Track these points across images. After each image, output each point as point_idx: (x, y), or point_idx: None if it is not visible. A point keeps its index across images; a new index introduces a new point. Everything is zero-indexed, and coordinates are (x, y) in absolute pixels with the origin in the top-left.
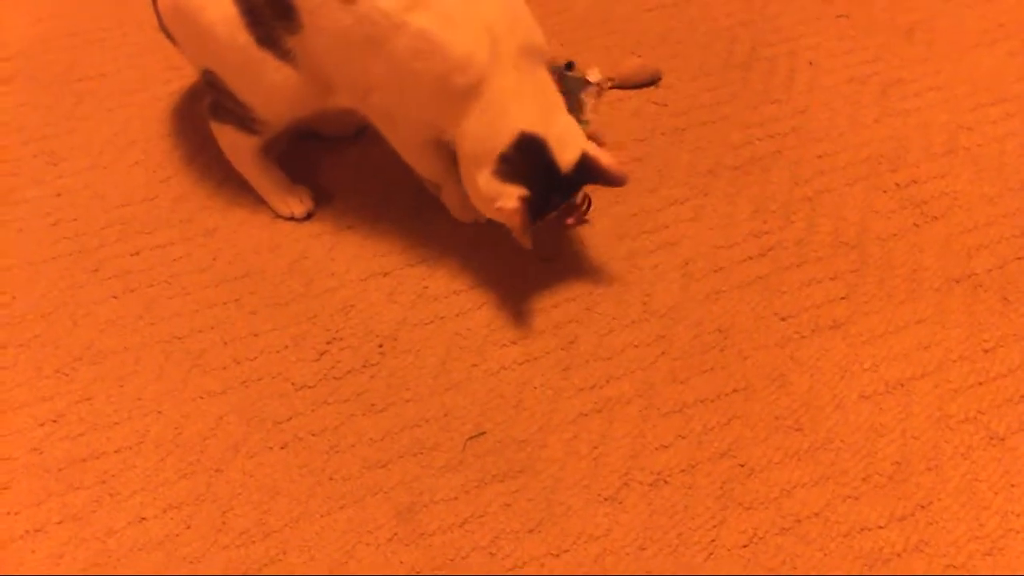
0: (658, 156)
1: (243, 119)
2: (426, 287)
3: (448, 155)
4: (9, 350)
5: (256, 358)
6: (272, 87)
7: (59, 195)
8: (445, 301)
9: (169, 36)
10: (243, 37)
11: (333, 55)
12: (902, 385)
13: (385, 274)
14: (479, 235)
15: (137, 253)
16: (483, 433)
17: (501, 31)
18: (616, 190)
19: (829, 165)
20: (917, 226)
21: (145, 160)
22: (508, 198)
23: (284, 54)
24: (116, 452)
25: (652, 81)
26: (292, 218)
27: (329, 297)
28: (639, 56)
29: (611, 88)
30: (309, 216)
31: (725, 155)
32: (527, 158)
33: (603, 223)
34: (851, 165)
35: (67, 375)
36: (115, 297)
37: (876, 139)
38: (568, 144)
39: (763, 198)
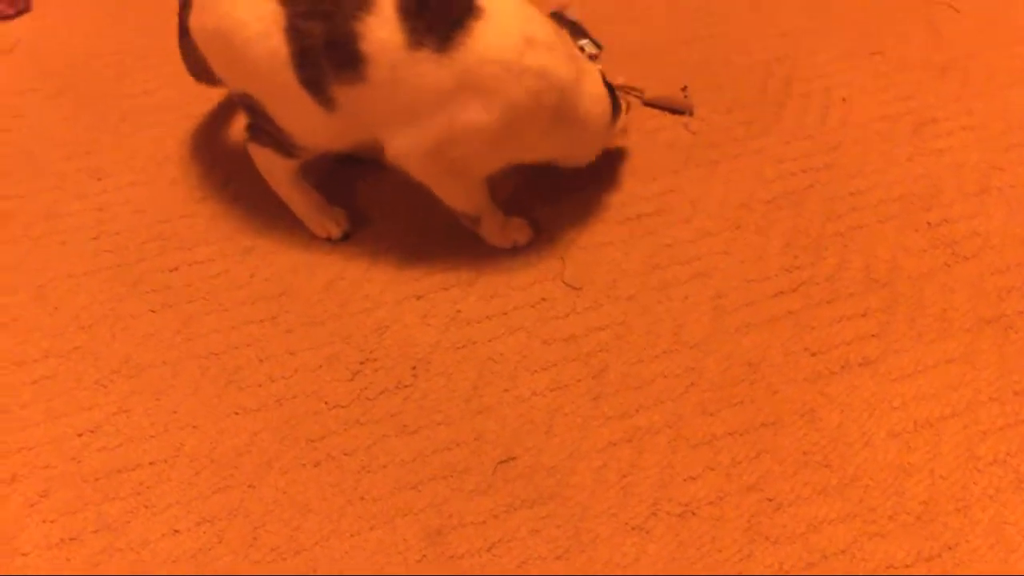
0: (692, 188)
1: (281, 143)
2: (459, 311)
3: (488, 186)
4: (51, 360)
5: (291, 376)
6: (310, 123)
7: (101, 209)
8: (478, 326)
9: (191, 60)
10: (287, 74)
11: (401, 108)
12: (931, 424)
13: (419, 297)
14: (512, 261)
15: (176, 269)
16: (513, 458)
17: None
18: (650, 220)
19: (861, 202)
20: (948, 265)
21: (185, 178)
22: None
23: (325, 101)
24: (151, 464)
25: (683, 110)
26: (329, 239)
27: (364, 318)
28: (685, 89)
29: (643, 104)
30: (346, 237)
31: (758, 189)
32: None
33: (637, 253)
34: (883, 203)
35: (105, 387)
36: (153, 311)
37: (909, 177)
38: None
39: (795, 233)
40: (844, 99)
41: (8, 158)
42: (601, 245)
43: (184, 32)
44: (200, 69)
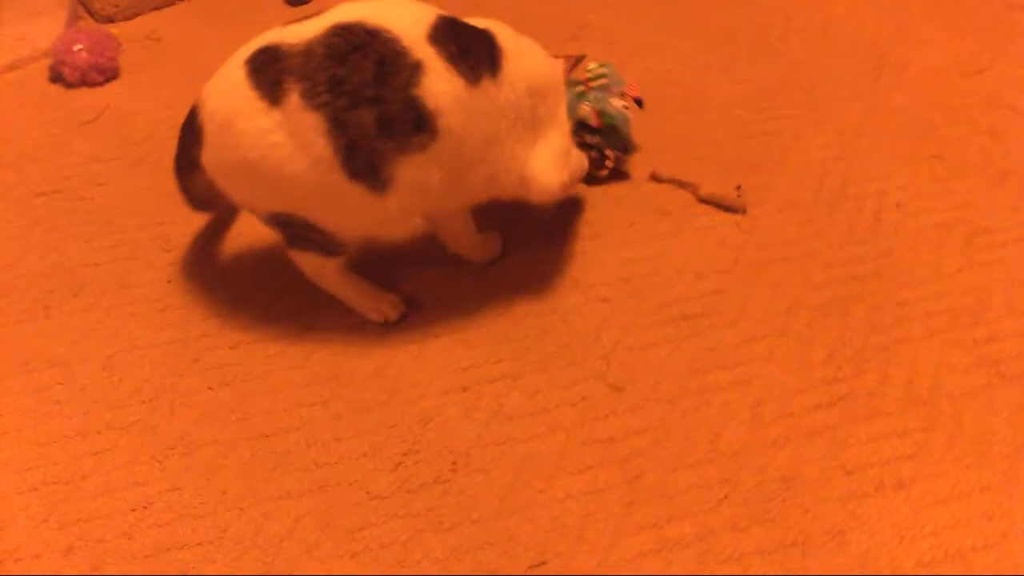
0: (739, 289)
1: (325, 245)
2: (502, 405)
3: None
4: (112, 432)
5: (336, 463)
6: (360, 216)
7: (169, 282)
8: (519, 422)
9: (195, 193)
10: (333, 176)
11: (490, 138)
12: (962, 555)
13: (465, 389)
14: (558, 358)
15: (235, 347)
16: (544, 563)
17: None
18: (696, 322)
19: (908, 314)
20: (991, 387)
21: (248, 254)
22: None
23: (380, 185)
24: (199, 545)
25: (736, 209)
26: (385, 322)
27: (410, 407)
28: (739, 188)
29: (697, 201)
30: (402, 318)
31: (806, 294)
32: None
33: (680, 355)
34: (930, 316)
35: (160, 463)
36: (211, 389)
37: (957, 290)
38: None
39: (839, 343)
40: (898, 204)
41: (88, 225)
42: (646, 346)
43: (187, 167)
44: (204, 201)
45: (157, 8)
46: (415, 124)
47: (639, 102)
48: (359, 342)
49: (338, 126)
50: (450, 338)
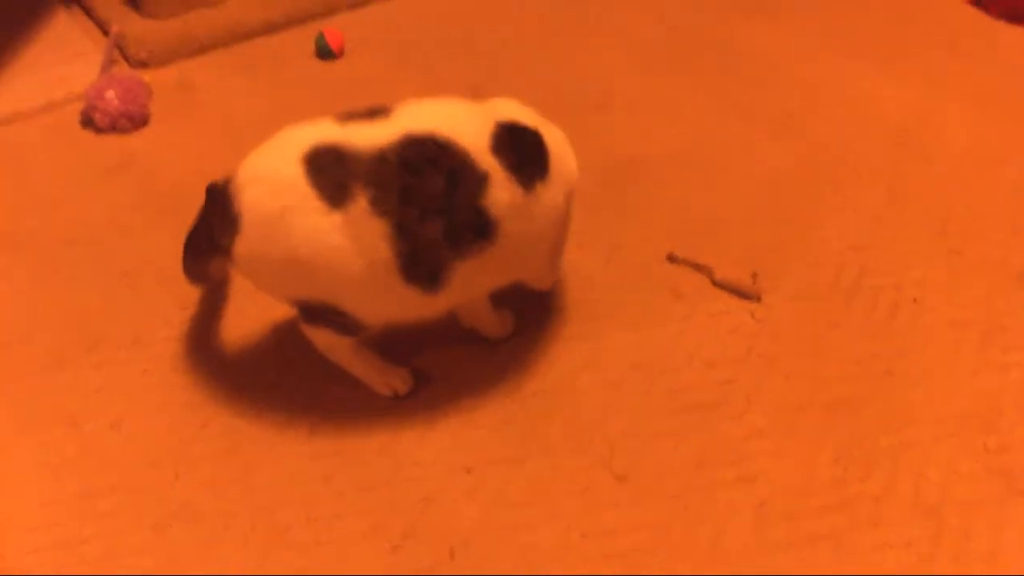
0: (750, 380)
1: (347, 327)
2: (505, 490)
3: None
4: (117, 496)
5: (336, 541)
6: (398, 308)
7: (180, 341)
8: (521, 510)
9: (203, 275)
10: (389, 278)
11: (535, 240)
12: None
13: (469, 471)
14: (563, 444)
15: (243, 415)
16: None
17: None
18: (705, 413)
19: (919, 415)
20: (1002, 499)
21: (262, 316)
22: None
23: (434, 285)
24: None
25: (751, 296)
26: (395, 396)
27: (413, 486)
28: (755, 275)
29: (712, 284)
30: (410, 393)
31: (817, 390)
32: None
33: (687, 447)
34: (941, 420)
35: (162, 531)
36: (216, 456)
37: (971, 393)
38: None
39: (848, 444)
40: (915, 299)
41: (108, 276)
42: (653, 435)
43: (206, 250)
44: (207, 278)
45: (190, 55)
46: (478, 232)
47: None
48: (366, 417)
49: (403, 233)
50: (457, 418)
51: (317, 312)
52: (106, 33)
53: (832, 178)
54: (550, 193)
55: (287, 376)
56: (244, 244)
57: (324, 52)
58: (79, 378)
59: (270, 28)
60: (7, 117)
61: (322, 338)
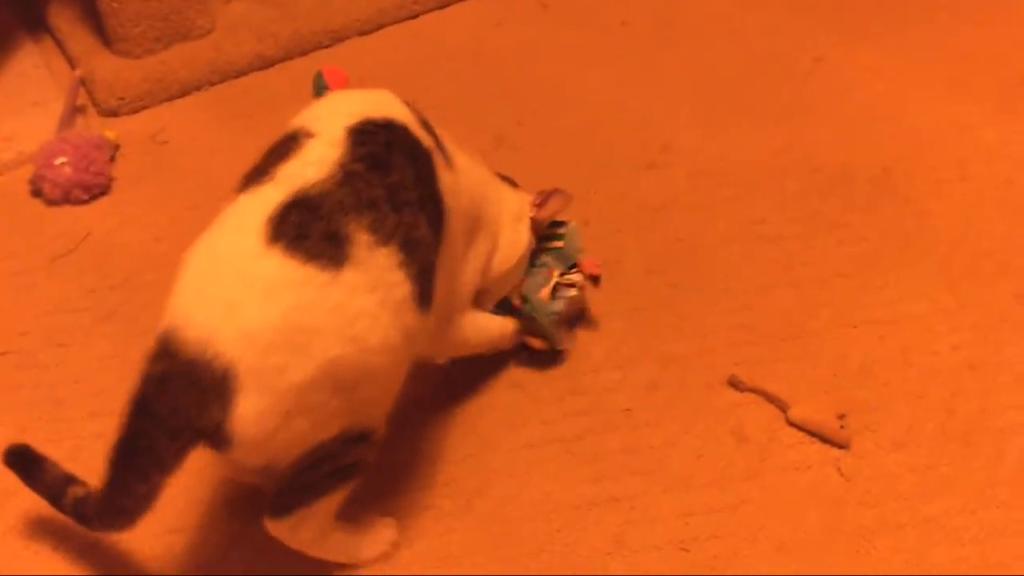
0: (832, 570)
1: (358, 460)
2: None
3: None
4: None
5: None
6: (404, 365)
7: None
8: None
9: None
10: (412, 318)
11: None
12: None
13: None
14: None
15: None
16: None
17: None
18: None
19: None
20: None
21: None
22: None
23: (429, 303)
24: None
25: (839, 444)
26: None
27: None
28: (843, 419)
29: (790, 425)
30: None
31: None
32: None
33: None
34: None
35: None
36: None
37: None
38: None
39: None
40: None
41: (35, 404)
42: None
43: (161, 457)
44: (146, 504)
45: (168, 99)
46: (440, 219)
47: (595, 279)
48: None
49: (409, 249)
50: None
51: (334, 459)
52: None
53: (944, 265)
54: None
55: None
56: (252, 399)
57: (323, 94)
58: None
59: (264, 63)
60: None
61: (317, 519)
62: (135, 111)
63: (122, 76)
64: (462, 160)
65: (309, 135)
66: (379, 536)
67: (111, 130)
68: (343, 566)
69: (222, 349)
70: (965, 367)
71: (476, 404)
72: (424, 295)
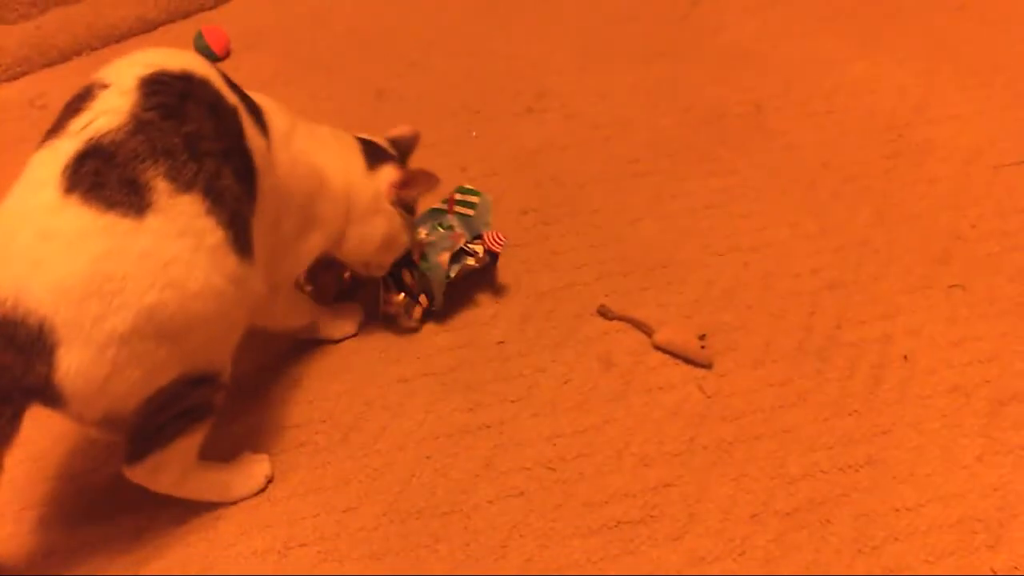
0: (693, 482)
1: (204, 402)
2: None
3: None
4: None
5: None
6: (238, 313)
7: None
8: None
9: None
10: (230, 264)
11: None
12: None
13: None
14: None
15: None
16: None
17: None
18: (631, 531)
19: (907, 526)
20: None
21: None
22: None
23: (251, 254)
24: None
25: (702, 364)
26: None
27: None
28: (703, 339)
29: (653, 348)
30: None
31: (777, 492)
32: None
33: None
34: (936, 529)
35: None
36: None
37: (975, 489)
38: None
39: (815, 568)
40: (906, 356)
41: None
42: (566, 566)
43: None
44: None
45: (47, 65)
46: (250, 176)
47: (494, 257)
48: (202, 553)
49: (215, 197)
50: (318, 549)
51: (173, 407)
52: None
53: (808, 193)
54: (276, 158)
55: (98, 512)
56: (74, 352)
57: (204, 54)
58: None
59: (145, 26)
60: None
61: (175, 460)
62: (13, 78)
63: None
64: (293, 141)
65: (103, 86)
66: (252, 472)
67: None
68: (216, 505)
69: (34, 305)
70: (824, 287)
71: (352, 342)
72: (243, 242)
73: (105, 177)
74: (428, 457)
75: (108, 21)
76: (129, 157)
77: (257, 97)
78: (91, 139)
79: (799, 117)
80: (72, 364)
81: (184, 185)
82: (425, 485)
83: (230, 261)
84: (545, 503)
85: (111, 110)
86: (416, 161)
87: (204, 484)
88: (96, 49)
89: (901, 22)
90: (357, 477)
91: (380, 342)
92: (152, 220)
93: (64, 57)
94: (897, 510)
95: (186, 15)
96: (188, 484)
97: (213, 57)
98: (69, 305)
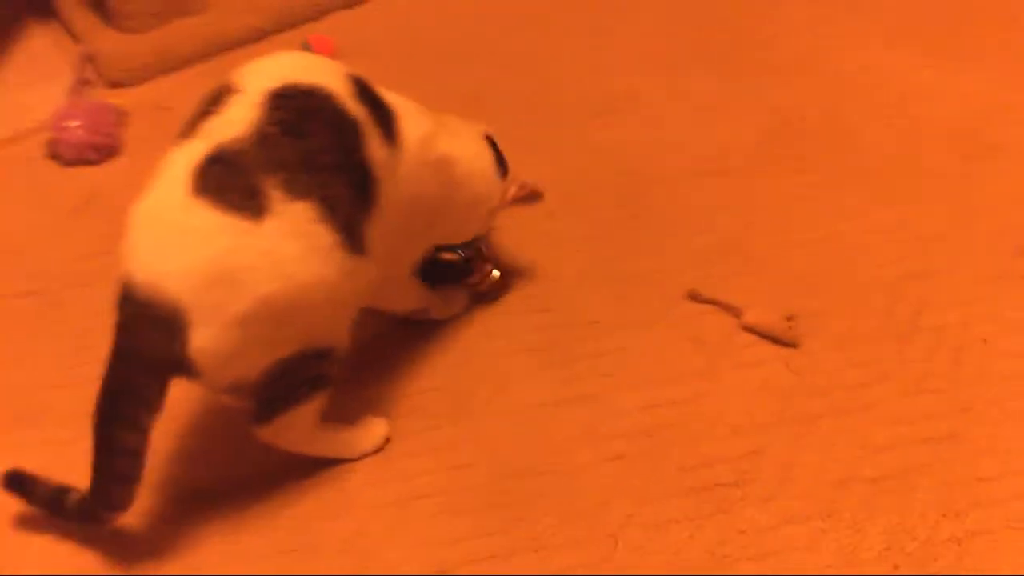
0: (782, 450)
1: (322, 374)
2: None
3: None
4: None
5: None
6: (352, 299)
7: None
8: None
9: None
10: (342, 260)
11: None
12: None
13: (443, 571)
14: (556, 535)
15: (196, 498)
16: None
17: None
18: (725, 493)
19: (988, 494)
20: None
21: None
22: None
23: (365, 251)
24: None
25: (786, 343)
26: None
27: None
28: (791, 320)
29: (741, 328)
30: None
31: (863, 461)
32: None
33: (703, 536)
34: (1018, 498)
35: None
36: (160, 551)
37: None
38: None
39: (899, 531)
40: (985, 340)
41: (60, 337)
42: (663, 522)
43: (143, 397)
44: (136, 461)
45: (169, 71)
46: (368, 184)
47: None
48: (330, 506)
49: (328, 206)
50: (433, 502)
51: (292, 378)
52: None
53: (887, 191)
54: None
55: (246, 454)
56: (202, 332)
57: None
58: (15, 457)
59: (257, 35)
60: None
61: (298, 422)
62: (139, 82)
63: (125, 50)
64: (436, 146)
65: (236, 91)
66: (372, 432)
67: (118, 98)
68: (340, 461)
69: (170, 292)
70: (904, 276)
71: (458, 322)
72: (355, 242)
73: (229, 182)
74: (532, 423)
75: (223, 31)
76: (250, 166)
77: (397, 101)
78: (219, 145)
79: (874, 121)
80: (202, 341)
81: (298, 194)
82: (530, 448)
83: (341, 257)
84: (642, 466)
85: (238, 120)
86: (515, 161)
87: (328, 442)
88: (212, 56)
89: (964, 34)
90: (467, 439)
91: (483, 322)
92: (269, 223)
93: (185, 64)
94: (979, 480)
95: (293, 25)
96: (313, 443)
97: None
98: (197, 292)
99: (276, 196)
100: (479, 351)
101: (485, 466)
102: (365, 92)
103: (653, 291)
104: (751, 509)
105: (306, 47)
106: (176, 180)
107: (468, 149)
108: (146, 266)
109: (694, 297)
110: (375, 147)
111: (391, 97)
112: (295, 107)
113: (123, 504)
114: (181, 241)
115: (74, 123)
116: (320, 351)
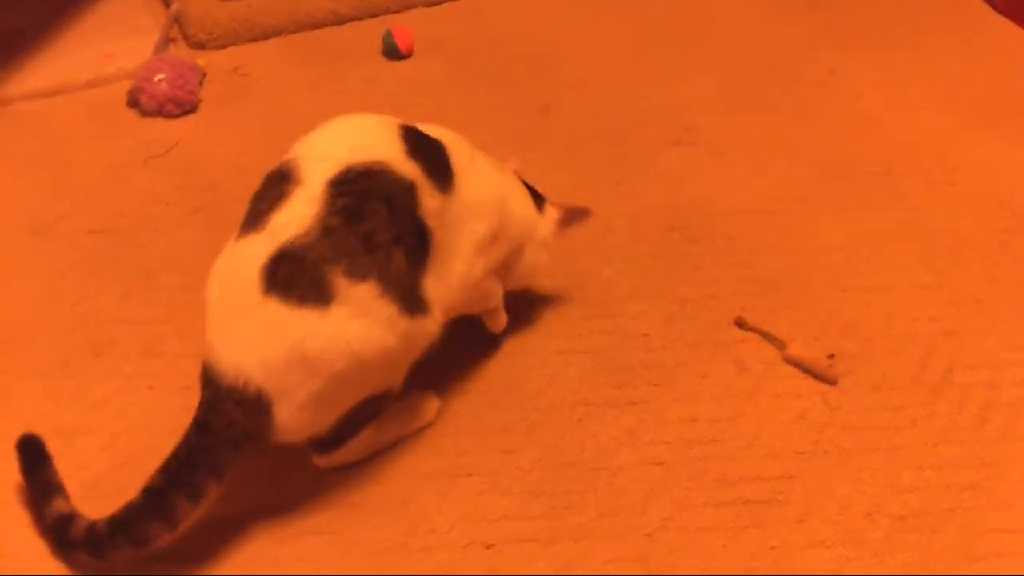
0: (815, 478)
1: (381, 407)
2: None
3: None
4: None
5: None
6: (415, 349)
7: (193, 358)
8: None
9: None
10: (405, 324)
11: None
12: None
13: (489, 546)
14: (595, 526)
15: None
16: None
17: None
18: (759, 510)
19: (1008, 546)
20: None
21: None
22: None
23: (427, 308)
24: None
25: (826, 379)
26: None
27: (424, 557)
28: (832, 358)
29: (784, 361)
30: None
31: (890, 498)
32: None
33: (737, 547)
34: None
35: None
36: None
37: None
38: None
39: (922, 567)
40: (1012, 403)
41: (129, 275)
42: (699, 529)
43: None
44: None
45: (250, 40)
46: (423, 239)
47: None
48: (379, 473)
49: (387, 280)
50: (481, 480)
51: (358, 416)
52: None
53: (928, 251)
54: (455, 208)
55: None
56: (284, 408)
57: (391, 51)
58: (81, 387)
59: (337, 19)
60: (53, 89)
61: (362, 443)
62: (221, 47)
63: (212, 15)
64: (472, 175)
65: (296, 183)
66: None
67: (199, 59)
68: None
69: (252, 378)
70: (939, 333)
71: (514, 318)
72: (414, 306)
73: (296, 279)
74: (579, 420)
75: (305, 10)
76: (316, 261)
77: (439, 134)
78: (285, 243)
79: (923, 184)
80: (283, 416)
81: (360, 276)
82: (575, 443)
83: (404, 324)
84: (682, 474)
85: (301, 216)
86: (578, 175)
87: (383, 435)
88: (292, 32)
89: (1012, 108)
90: (515, 427)
91: (539, 320)
92: (336, 309)
93: (265, 35)
94: (999, 531)
95: (373, 15)
96: (370, 448)
97: (399, 54)
98: (275, 377)
99: (340, 283)
100: (531, 348)
101: (532, 453)
102: (419, 147)
103: (701, 314)
104: (783, 528)
105: (388, 36)
106: (247, 278)
107: (503, 185)
108: (230, 355)
109: (740, 324)
110: (428, 200)
111: (438, 134)
112: (355, 192)
113: (124, 549)
114: (257, 335)
115: (160, 76)
116: (381, 395)
